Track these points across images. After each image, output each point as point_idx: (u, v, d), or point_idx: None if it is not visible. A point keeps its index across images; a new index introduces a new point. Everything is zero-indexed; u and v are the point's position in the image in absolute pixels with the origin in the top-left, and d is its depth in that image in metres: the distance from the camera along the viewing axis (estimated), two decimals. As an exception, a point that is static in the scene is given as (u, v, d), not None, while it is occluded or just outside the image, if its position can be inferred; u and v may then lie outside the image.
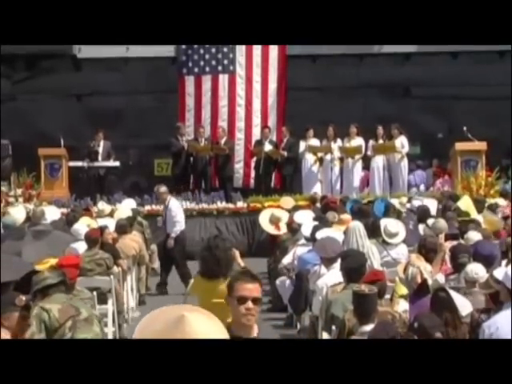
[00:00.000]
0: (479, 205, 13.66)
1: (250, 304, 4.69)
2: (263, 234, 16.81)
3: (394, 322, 6.35)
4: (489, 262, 7.95)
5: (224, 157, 19.74)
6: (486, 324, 5.85)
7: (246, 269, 6.31)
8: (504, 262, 8.46)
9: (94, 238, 10.94)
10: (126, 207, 15.99)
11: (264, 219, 14.76)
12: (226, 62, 20.99)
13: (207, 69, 21.05)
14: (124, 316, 11.30)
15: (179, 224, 14.62)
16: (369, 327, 6.07)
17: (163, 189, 14.91)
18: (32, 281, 6.80)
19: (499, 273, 6.23)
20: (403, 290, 7.59)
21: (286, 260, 11.42)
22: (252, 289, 4.71)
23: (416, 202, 14.92)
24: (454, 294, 6.61)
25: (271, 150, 19.53)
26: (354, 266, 7.73)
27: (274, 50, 20.84)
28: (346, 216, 12.53)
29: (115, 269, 11.04)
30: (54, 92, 22.16)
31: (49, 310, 6.51)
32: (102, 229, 11.93)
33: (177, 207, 14.85)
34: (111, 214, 15.19)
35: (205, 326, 3.10)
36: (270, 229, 14.59)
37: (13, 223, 13.23)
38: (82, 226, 11.98)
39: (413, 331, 5.63)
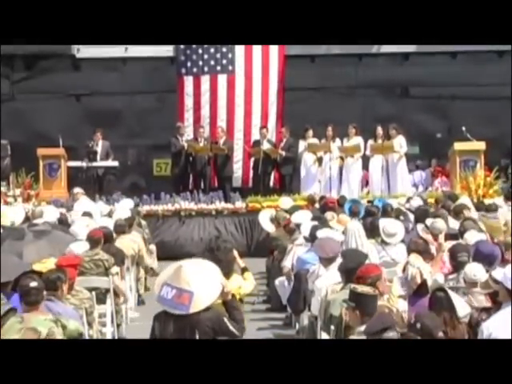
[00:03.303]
0: (478, 205, 13.65)
1: None
2: (262, 234, 16.79)
3: (390, 314, 6.34)
4: (489, 262, 7.95)
5: (223, 157, 19.74)
6: (485, 324, 5.86)
7: None
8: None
9: (97, 239, 10.86)
10: (125, 207, 15.96)
11: (264, 218, 14.74)
12: (224, 61, 20.96)
13: (206, 69, 21.01)
14: (122, 316, 11.28)
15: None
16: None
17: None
18: None
19: (498, 273, 6.24)
20: (398, 290, 7.58)
21: (289, 262, 11.38)
22: None
23: (415, 202, 14.92)
24: (452, 295, 6.61)
25: (269, 148, 19.52)
26: (352, 267, 7.70)
27: (273, 50, 20.83)
28: (345, 216, 12.53)
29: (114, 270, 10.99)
30: (52, 92, 22.12)
31: None
32: (110, 230, 11.93)
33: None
34: (109, 214, 15.17)
35: (195, 274, 4.12)
36: (269, 227, 14.57)
37: (12, 223, 13.22)
38: (81, 226, 11.96)
39: (415, 332, 5.61)
